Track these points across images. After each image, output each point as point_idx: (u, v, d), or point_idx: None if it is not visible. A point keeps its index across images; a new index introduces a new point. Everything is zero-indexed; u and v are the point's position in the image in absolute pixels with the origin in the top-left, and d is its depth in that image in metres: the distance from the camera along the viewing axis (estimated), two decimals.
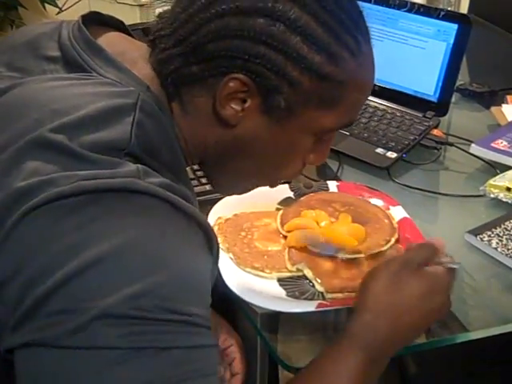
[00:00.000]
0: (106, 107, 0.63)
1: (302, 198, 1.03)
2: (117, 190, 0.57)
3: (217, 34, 0.65)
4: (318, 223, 0.94)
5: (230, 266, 0.88)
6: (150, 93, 0.67)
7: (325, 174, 1.18)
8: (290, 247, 0.90)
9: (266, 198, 1.01)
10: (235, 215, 0.97)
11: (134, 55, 0.71)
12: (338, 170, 1.18)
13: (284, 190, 1.05)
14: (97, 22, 0.75)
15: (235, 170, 0.75)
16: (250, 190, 0.80)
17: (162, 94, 0.70)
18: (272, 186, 0.81)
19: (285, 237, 0.93)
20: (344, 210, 0.99)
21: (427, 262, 0.77)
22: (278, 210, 1.01)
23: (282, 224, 0.94)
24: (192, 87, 0.69)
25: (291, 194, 1.05)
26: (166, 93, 0.70)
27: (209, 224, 0.65)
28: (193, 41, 0.66)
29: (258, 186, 0.80)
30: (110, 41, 0.72)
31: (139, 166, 0.60)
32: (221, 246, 0.91)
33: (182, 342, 0.56)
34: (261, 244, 0.92)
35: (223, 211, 0.98)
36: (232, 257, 0.90)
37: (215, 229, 0.94)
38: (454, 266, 0.78)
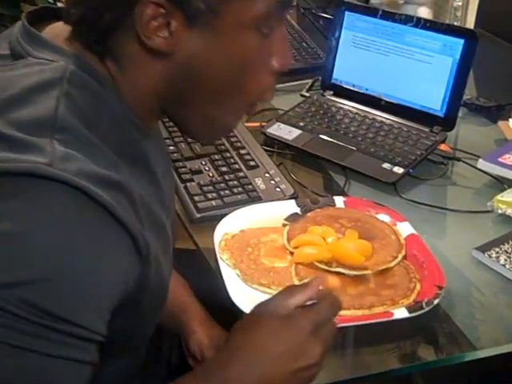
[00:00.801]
0: (33, 84, 0.62)
1: (308, 214, 1.03)
2: (15, 174, 0.56)
3: None
4: (324, 239, 0.93)
5: (237, 282, 0.88)
6: (82, 63, 0.66)
7: (331, 189, 1.18)
8: (296, 263, 0.90)
9: (272, 213, 1.02)
10: (242, 231, 0.97)
11: (68, 35, 0.69)
12: (344, 186, 1.18)
13: (291, 206, 1.05)
14: (50, 15, 0.73)
15: (200, 105, 0.70)
16: (229, 128, 0.76)
17: (96, 61, 0.67)
18: (249, 111, 0.74)
19: (291, 253, 0.93)
20: (351, 225, 0.99)
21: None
22: (284, 225, 1.00)
23: (289, 240, 0.94)
24: (116, 38, 0.66)
25: (298, 210, 1.04)
26: (99, 58, 0.67)
27: (133, 221, 0.61)
28: None
29: (235, 119, 0.74)
30: (51, 28, 0.71)
31: (60, 149, 0.58)
32: (227, 261, 0.91)
33: (41, 348, 0.54)
34: (267, 260, 0.92)
35: (230, 227, 0.98)
36: (239, 273, 0.90)
37: (222, 244, 0.94)
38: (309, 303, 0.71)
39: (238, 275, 0.89)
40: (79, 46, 0.68)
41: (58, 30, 0.71)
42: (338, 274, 0.89)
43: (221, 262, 0.91)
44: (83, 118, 0.62)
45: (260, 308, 0.72)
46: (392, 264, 0.91)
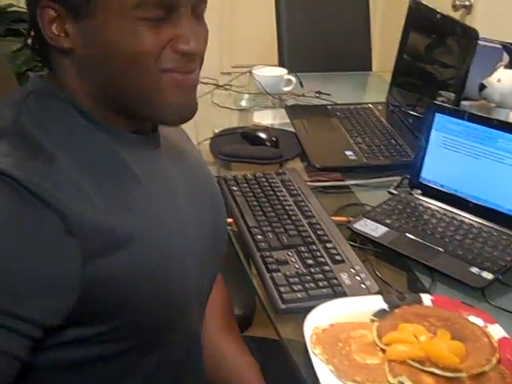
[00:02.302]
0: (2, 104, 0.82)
1: (396, 311, 1.01)
2: None
3: None
4: (416, 337, 0.92)
5: (331, 378, 0.88)
6: (43, 86, 0.83)
7: (416, 288, 1.16)
8: (389, 360, 0.89)
9: (359, 308, 1.02)
10: (331, 325, 0.97)
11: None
12: (430, 287, 1.16)
13: (378, 302, 1.04)
14: None
15: (124, 84, 0.80)
16: (163, 101, 0.82)
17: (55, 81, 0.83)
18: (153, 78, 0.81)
19: (382, 349, 0.92)
20: (440, 325, 0.97)
21: None
22: (372, 321, 1.00)
23: (379, 336, 0.93)
24: (48, 52, 0.82)
25: (385, 306, 1.03)
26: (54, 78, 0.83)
27: (67, 204, 0.71)
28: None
29: (159, 89, 0.81)
30: None
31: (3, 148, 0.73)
32: (320, 356, 0.90)
33: None
34: (359, 356, 0.91)
35: (319, 320, 0.98)
36: (332, 369, 0.89)
37: (313, 339, 0.94)
38: None
39: (332, 371, 0.89)
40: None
41: None
42: (431, 373, 0.87)
43: (313, 357, 0.91)
44: (38, 128, 0.77)
45: None
46: (487, 368, 0.88)
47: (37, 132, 0.77)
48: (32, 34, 0.83)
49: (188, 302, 0.90)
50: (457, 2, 2.52)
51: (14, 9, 3.01)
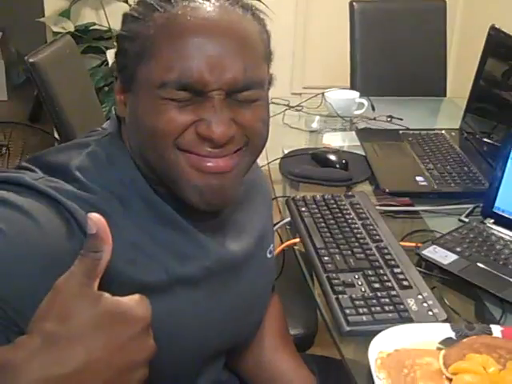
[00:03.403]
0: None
1: (464, 340, 0.99)
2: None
3: None
4: (484, 369, 0.90)
5: None
6: (105, 144, 0.87)
7: (485, 319, 1.14)
8: None
9: (426, 335, 1.00)
10: (396, 350, 0.96)
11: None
12: (500, 319, 1.13)
13: (445, 330, 1.02)
14: None
15: (151, 163, 0.83)
16: (186, 183, 0.82)
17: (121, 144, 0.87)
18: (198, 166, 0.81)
19: (448, 378, 0.90)
20: (510, 357, 0.94)
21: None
22: (438, 349, 0.97)
23: (446, 365, 0.91)
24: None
25: (452, 335, 1.01)
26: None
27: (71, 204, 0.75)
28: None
29: (179, 168, 0.82)
30: None
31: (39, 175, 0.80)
32: (384, 381, 0.89)
33: None
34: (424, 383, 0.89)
35: (384, 345, 0.96)
36: None
37: (378, 363, 0.93)
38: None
39: None
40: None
41: None
42: None
43: (377, 381, 0.90)
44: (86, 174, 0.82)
45: None
46: None
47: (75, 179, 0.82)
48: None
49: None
50: None
51: (95, 27, 3.12)
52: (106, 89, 2.99)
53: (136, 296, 0.64)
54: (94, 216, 0.62)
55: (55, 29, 3.02)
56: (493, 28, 1.83)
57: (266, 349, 1.10)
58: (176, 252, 0.85)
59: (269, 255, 1.05)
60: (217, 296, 0.91)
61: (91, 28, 3.13)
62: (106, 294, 0.62)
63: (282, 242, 1.41)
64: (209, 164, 0.80)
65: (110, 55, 2.88)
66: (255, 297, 1.02)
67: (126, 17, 0.84)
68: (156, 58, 0.78)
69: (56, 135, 1.81)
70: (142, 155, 0.84)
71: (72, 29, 3.00)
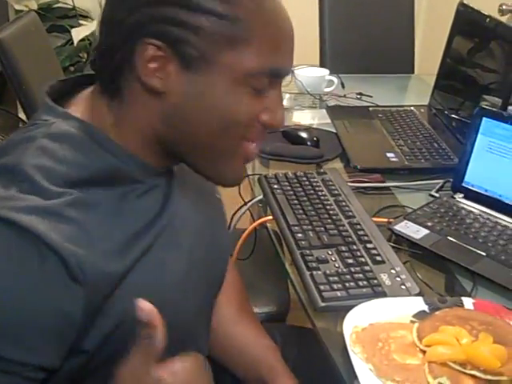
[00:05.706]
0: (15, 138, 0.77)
1: (437, 313, 1.01)
2: None
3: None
4: (457, 340, 0.91)
5: (370, 377, 0.88)
6: (71, 122, 0.77)
7: (457, 292, 1.15)
8: (429, 362, 0.88)
9: (399, 309, 1.01)
10: (371, 325, 0.97)
11: (83, 96, 0.83)
12: (471, 291, 1.15)
13: (418, 303, 1.03)
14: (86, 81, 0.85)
15: (198, 146, 0.79)
16: (234, 171, 0.83)
17: (101, 113, 0.79)
18: (247, 157, 0.82)
19: (422, 350, 0.91)
20: (482, 328, 0.96)
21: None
22: (412, 322, 0.99)
23: (419, 338, 0.93)
24: (124, 78, 0.77)
25: (426, 308, 1.03)
26: (108, 105, 0.78)
27: (67, 248, 0.67)
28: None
29: (234, 161, 0.82)
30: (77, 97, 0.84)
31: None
32: (359, 355, 0.91)
33: None
34: (399, 356, 0.90)
35: (358, 320, 0.97)
36: (372, 368, 0.89)
37: (353, 337, 0.94)
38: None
39: (372, 370, 0.89)
40: (87, 102, 0.80)
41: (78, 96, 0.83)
42: (472, 376, 0.86)
43: (352, 355, 0.91)
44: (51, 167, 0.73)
45: None
46: None
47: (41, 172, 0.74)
48: (100, 50, 0.79)
49: (190, 329, 0.90)
50: (504, 7, 2.49)
51: (58, 5, 3.06)
52: (72, 68, 2.94)
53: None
54: (145, 304, 0.66)
55: (18, 7, 2.96)
56: (461, 4, 1.84)
57: (225, 315, 1.10)
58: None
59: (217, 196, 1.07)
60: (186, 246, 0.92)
61: (55, 6, 3.07)
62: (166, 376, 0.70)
63: (254, 220, 1.40)
64: (255, 151, 0.83)
65: (76, 34, 2.83)
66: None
67: None
68: (250, 46, 0.74)
69: (21, 115, 1.78)
70: (180, 139, 0.79)
71: (35, 7, 2.93)
